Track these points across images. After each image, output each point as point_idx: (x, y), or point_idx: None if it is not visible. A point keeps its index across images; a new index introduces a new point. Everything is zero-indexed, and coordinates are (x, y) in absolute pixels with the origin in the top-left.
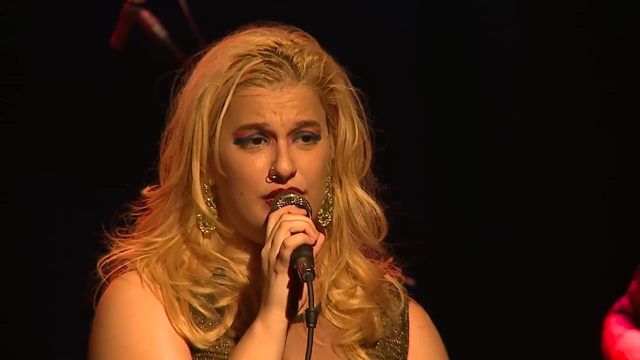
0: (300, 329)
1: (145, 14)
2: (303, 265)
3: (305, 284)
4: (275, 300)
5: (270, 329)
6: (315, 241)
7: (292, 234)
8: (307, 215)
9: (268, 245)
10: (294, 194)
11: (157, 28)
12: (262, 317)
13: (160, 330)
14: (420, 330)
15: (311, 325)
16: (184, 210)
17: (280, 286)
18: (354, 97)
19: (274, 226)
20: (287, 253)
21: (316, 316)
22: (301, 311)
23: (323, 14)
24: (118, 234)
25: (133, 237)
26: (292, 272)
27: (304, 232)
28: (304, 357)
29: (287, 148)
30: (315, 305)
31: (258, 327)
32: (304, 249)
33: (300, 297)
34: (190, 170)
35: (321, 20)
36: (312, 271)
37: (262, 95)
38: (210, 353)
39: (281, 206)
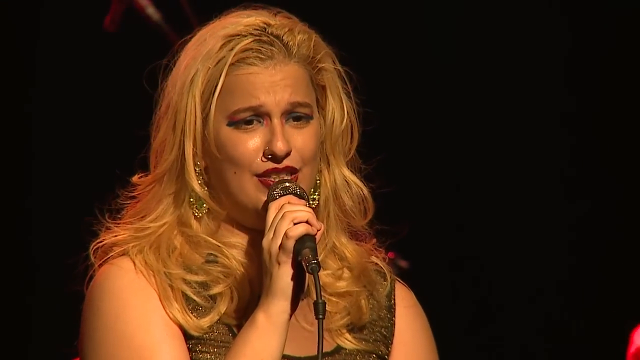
0: (294, 317)
1: None
2: (308, 257)
3: (310, 276)
4: (278, 291)
5: (273, 319)
6: (317, 231)
7: (295, 224)
8: (307, 205)
9: (270, 235)
10: (289, 182)
11: (151, 10)
12: (264, 307)
13: (155, 318)
14: (407, 310)
15: (320, 317)
16: (177, 194)
17: (282, 277)
18: (342, 76)
19: (276, 216)
20: (290, 244)
21: (324, 308)
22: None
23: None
24: (109, 219)
25: (126, 223)
26: (296, 264)
27: (306, 222)
28: (297, 344)
29: (282, 127)
30: (305, 289)
31: (260, 317)
32: (307, 240)
33: (302, 288)
34: (184, 152)
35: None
36: (318, 263)
37: (255, 74)
38: (204, 340)
39: (279, 196)
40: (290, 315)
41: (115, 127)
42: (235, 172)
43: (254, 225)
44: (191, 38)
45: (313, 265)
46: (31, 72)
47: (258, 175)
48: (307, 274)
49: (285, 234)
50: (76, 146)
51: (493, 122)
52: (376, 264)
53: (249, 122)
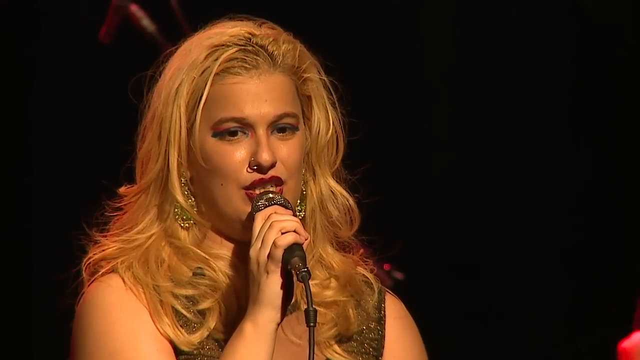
0: (281, 331)
1: (134, 8)
2: (298, 265)
3: (300, 284)
4: (266, 300)
5: (261, 329)
6: (305, 240)
7: (283, 233)
8: (294, 215)
9: (257, 245)
10: (273, 193)
11: (146, 22)
12: (251, 317)
13: (145, 334)
14: (397, 322)
15: (311, 324)
16: (163, 205)
17: (271, 286)
18: (327, 86)
19: (263, 226)
20: (279, 253)
21: (316, 315)
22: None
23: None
24: (95, 232)
25: (113, 235)
26: (285, 273)
27: (294, 231)
28: (283, 355)
29: (267, 139)
30: (293, 299)
31: (248, 327)
32: (295, 249)
33: (290, 297)
34: (168, 162)
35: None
36: (308, 271)
37: (240, 84)
38: (194, 355)
39: (264, 207)
40: (278, 325)
41: (112, 138)
42: (222, 184)
43: (239, 237)
44: (176, 49)
45: (303, 273)
46: (24, 85)
47: (245, 188)
48: (295, 284)
49: (274, 243)
50: (70, 154)
51: (480, 129)
52: (363, 274)
53: (233, 133)
